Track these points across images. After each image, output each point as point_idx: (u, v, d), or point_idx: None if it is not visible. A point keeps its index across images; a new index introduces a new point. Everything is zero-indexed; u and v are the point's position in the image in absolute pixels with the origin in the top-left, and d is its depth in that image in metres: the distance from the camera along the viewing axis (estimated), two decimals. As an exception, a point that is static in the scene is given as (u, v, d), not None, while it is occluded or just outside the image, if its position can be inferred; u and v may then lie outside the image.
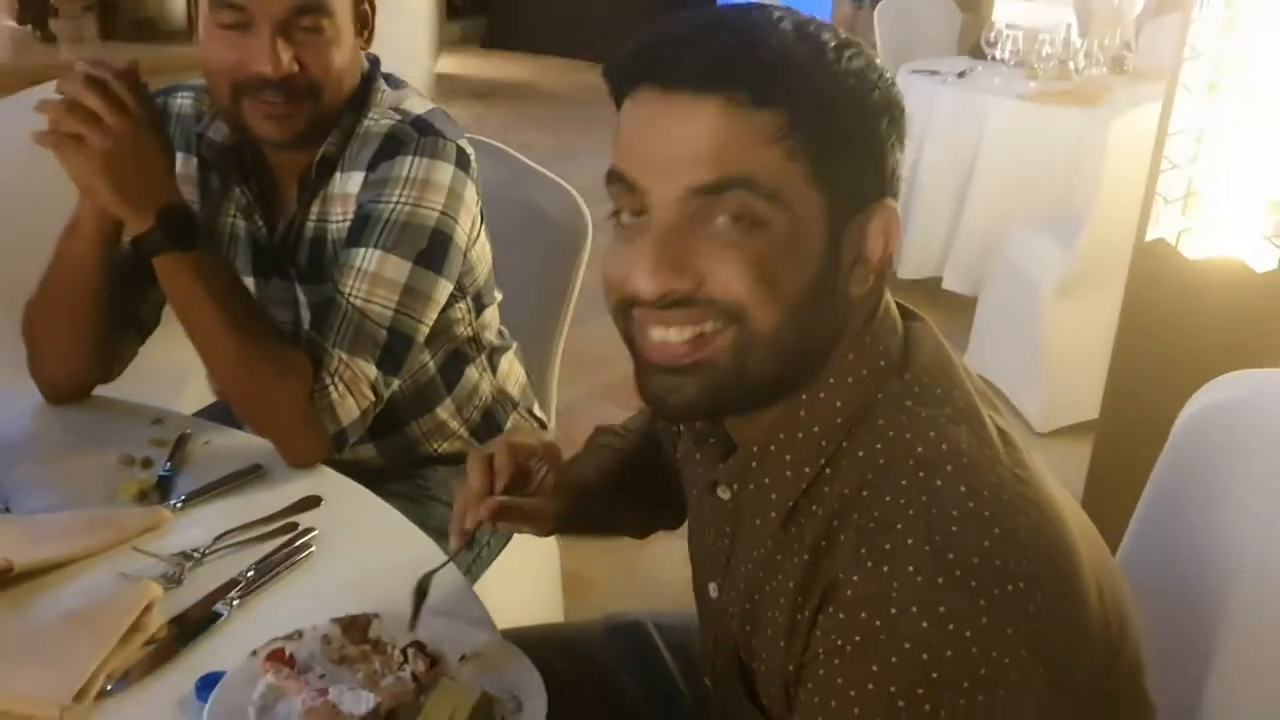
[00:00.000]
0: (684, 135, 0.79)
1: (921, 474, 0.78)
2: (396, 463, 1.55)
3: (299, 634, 1.00)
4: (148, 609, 1.04)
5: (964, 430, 0.81)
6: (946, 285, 4.04)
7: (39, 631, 1.02)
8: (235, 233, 1.48)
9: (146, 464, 1.32)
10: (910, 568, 0.74)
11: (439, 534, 1.48)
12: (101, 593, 1.07)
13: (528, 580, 1.77)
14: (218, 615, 1.06)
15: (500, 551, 1.60)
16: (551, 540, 1.81)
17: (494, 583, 1.56)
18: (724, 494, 0.93)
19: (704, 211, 0.79)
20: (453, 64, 9.06)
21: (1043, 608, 0.74)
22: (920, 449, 0.79)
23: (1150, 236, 2.22)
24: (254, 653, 0.97)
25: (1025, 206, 3.72)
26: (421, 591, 1.03)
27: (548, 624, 1.32)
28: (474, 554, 1.52)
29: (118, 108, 1.24)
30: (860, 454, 0.81)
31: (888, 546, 0.75)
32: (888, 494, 0.78)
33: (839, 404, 0.83)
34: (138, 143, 1.25)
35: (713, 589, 0.97)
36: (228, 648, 1.02)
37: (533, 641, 1.07)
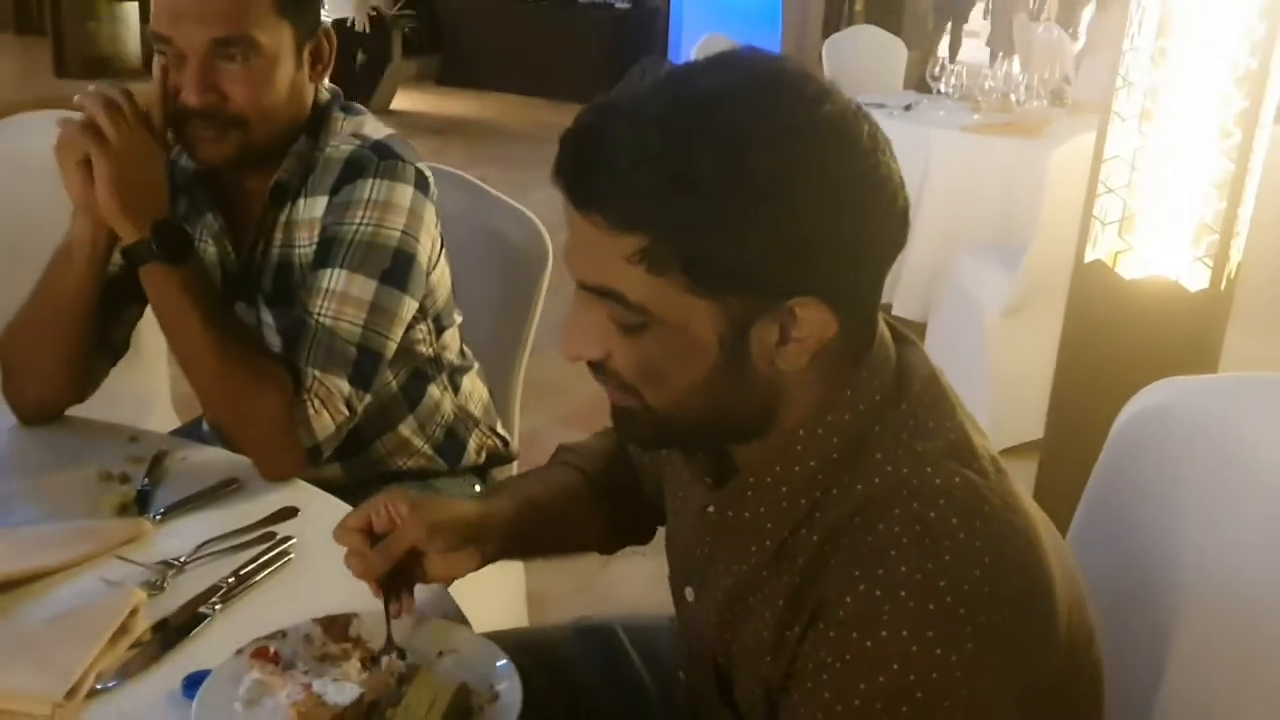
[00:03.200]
0: (574, 239, 0.84)
1: (916, 505, 0.82)
2: (361, 480, 1.59)
3: (282, 633, 1.04)
4: (133, 613, 1.08)
5: (956, 464, 0.85)
6: (896, 311, 4.12)
7: (29, 634, 1.05)
8: (204, 258, 1.52)
9: (125, 479, 1.35)
10: (903, 593, 0.78)
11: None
12: (88, 598, 1.11)
13: (492, 595, 1.81)
14: (202, 618, 1.10)
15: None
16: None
17: (459, 598, 1.59)
18: (713, 515, 0.97)
19: (602, 308, 0.84)
20: (408, 101, 9.13)
21: (1022, 632, 0.80)
22: (916, 482, 0.83)
23: (1089, 258, 2.32)
24: (239, 651, 1.01)
25: (970, 233, 3.83)
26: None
27: (517, 628, 1.36)
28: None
29: (127, 126, 1.31)
30: (857, 486, 0.86)
31: (881, 571, 0.80)
32: (882, 522, 0.82)
33: (836, 439, 0.87)
34: (140, 158, 1.32)
35: (689, 593, 1.01)
36: (212, 649, 1.05)
37: (502, 644, 1.11)
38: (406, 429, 1.61)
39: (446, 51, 10.32)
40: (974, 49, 6.79)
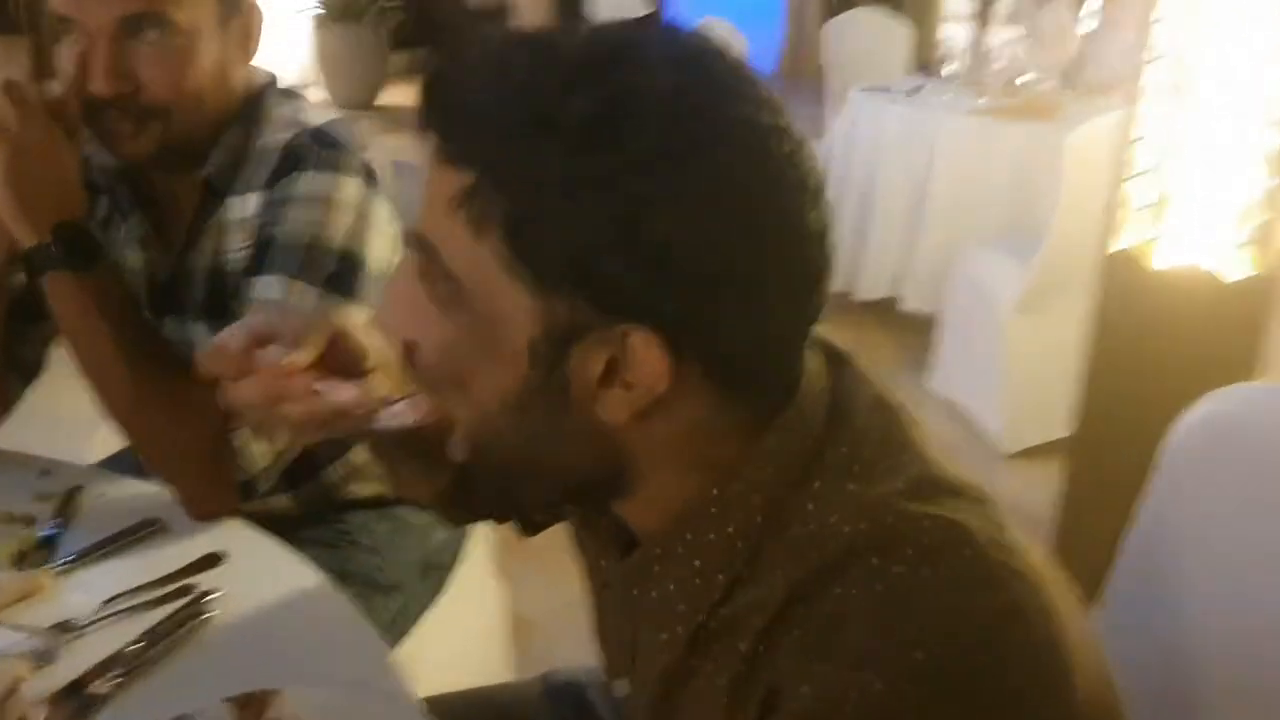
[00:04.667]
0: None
1: (875, 560, 0.63)
2: (313, 510, 1.42)
3: (189, 718, 0.87)
4: (10, 693, 0.90)
5: (922, 504, 0.65)
6: (904, 306, 3.95)
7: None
8: (127, 265, 1.35)
9: (29, 521, 1.18)
10: (869, 673, 0.59)
11: (360, 580, 1.36)
12: (-43, 675, 0.93)
13: (470, 628, 1.64)
14: (94, 698, 0.92)
15: (433, 599, 1.47)
16: (492, 585, 1.67)
17: (433, 631, 1.43)
18: (619, 596, 0.77)
19: (417, 270, 0.67)
20: (399, 95, 8.95)
21: (1030, 710, 0.61)
22: (873, 534, 0.64)
23: (1116, 247, 2.14)
24: (130, 743, 0.84)
25: (980, 222, 3.66)
26: None
27: (481, 688, 1.18)
28: (398, 604, 1.39)
29: (29, 116, 1.14)
30: (796, 550, 0.66)
31: (840, 648, 0.61)
32: (837, 586, 0.63)
33: (757, 499, 0.67)
34: (44, 151, 1.15)
35: (619, 686, 0.81)
36: (107, 734, 0.88)
37: (466, 709, 0.94)
38: (362, 454, 1.43)
39: (438, 45, 10.16)
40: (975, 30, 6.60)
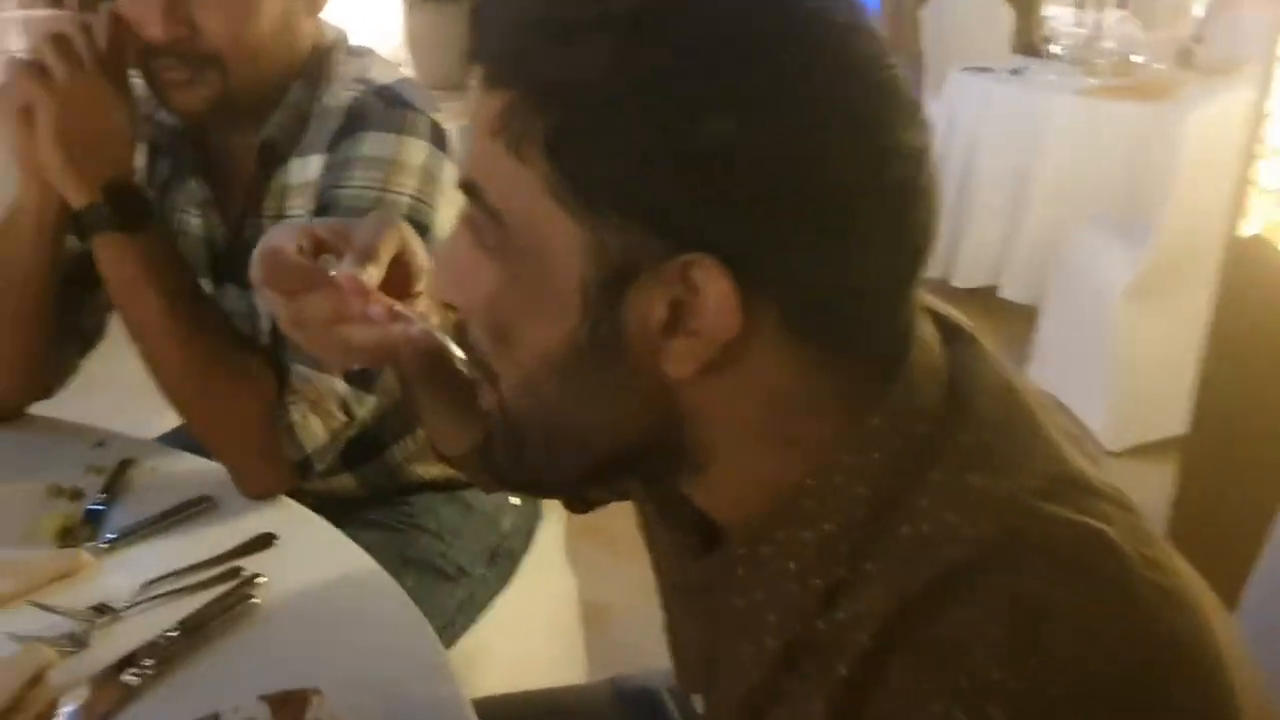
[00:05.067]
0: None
1: (1003, 575, 0.52)
2: (377, 491, 1.35)
3: (216, 717, 0.79)
4: (36, 681, 0.83)
5: (1059, 506, 0.55)
6: (1004, 294, 3.79)
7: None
8: (189, 230, 1.28)
9: (76, 495, 1.12)
10: (995, 711, 0.49)
11: (422, 567, 1.28)
12: (-17, 658, 0.87)
13: (539, 620, 1.56)
14: (126, 688, 0.86)
15: (501, 588, 1.39)
16: (564, 574, 1.59)
17: (499, 622, 1.35)
18: (698, 602, 0.67)
19: (466, 218, 0.59)
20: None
21: None
22: (1000, 541, 0.53)
23: (1243, 231, 1.98)
24: (155, 743, 0.77)
25: (1088, 207, 3.48)
26: None
27: (544, 690, 1.10)
28: (463, 593, 1.31)
29: (77, 66, 1.08)
30: (906, 555, 0.55)
31: (962, 679, 0.50)
32: (957, 604, 0.52)
33: (861, 491, 0.57)
34: (92, 104, 1.09)
35: (698, 702, 0.71)
36: (138, 728, 0.81)
37: (529, 711, 0.86)
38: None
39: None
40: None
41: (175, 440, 1.33)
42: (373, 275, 0.72)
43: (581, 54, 0.52)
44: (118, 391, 1.55)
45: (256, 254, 0.74)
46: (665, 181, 0.51)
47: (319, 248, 0.74)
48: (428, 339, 0.74)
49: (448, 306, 0.61)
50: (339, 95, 1.21)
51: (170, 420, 1.52)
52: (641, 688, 1.05)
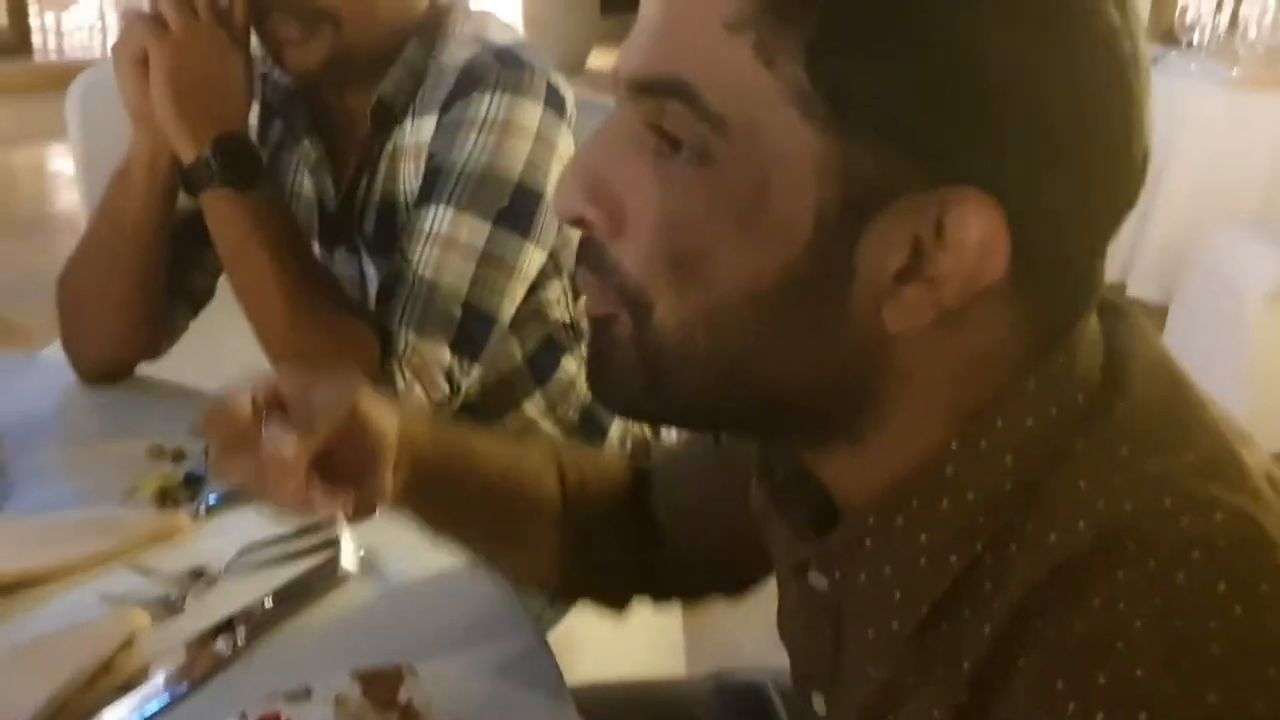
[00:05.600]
0: (644, 14, 0.52)
1: (1153, 563, 0.46)
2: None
3: (307, 691, 0.76)
4: (127, 645, 0.82)
5: (1217, 487, 0.49)
6: (1132, 292, 3.64)
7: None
8: (300, 192, 1.26)
9: (178, 457, 1.10)
10: (1142, 716, 0.44)
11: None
12: (74, 621, 0.85)
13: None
14: (218, 655, 0.83)
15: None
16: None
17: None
18: (818, 581, 0.61)
19: (646, 123, 0.51)
20: (608, 59, 8.91)
21: None
22: (1148, 525, 0.48)
23: None
24: (243, 716, 0.74)
25: (1228, 206, 3.32)
26: None
27: (643, 681, 1.05)
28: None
29: (194, 16, 1.07)
30: (1049, 537, 0.49)
31: (1102, 680, 0.45)
32: (1096, 596, 0.47)
33: (1010, 460, 0.51)
34: (207, 57, 1.08)
35: (819, 703, 0.65)
36: (224, 699, 0.79)
37: (626, 701, 0.81)
38: (533, 408, 1.32)
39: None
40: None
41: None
42: (303, 445, 0.68)
43: None
44: (224, 355, 1.54)
45: (212, 399, 0.73)
46: (937, 103, 0.46)
47: (275, 404, 0.71)
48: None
49: (578, 224, 0.54)
50: (455, 54, 1.17)
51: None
52: (746, 683, 1.00)
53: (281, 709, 0.74)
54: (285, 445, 0.68)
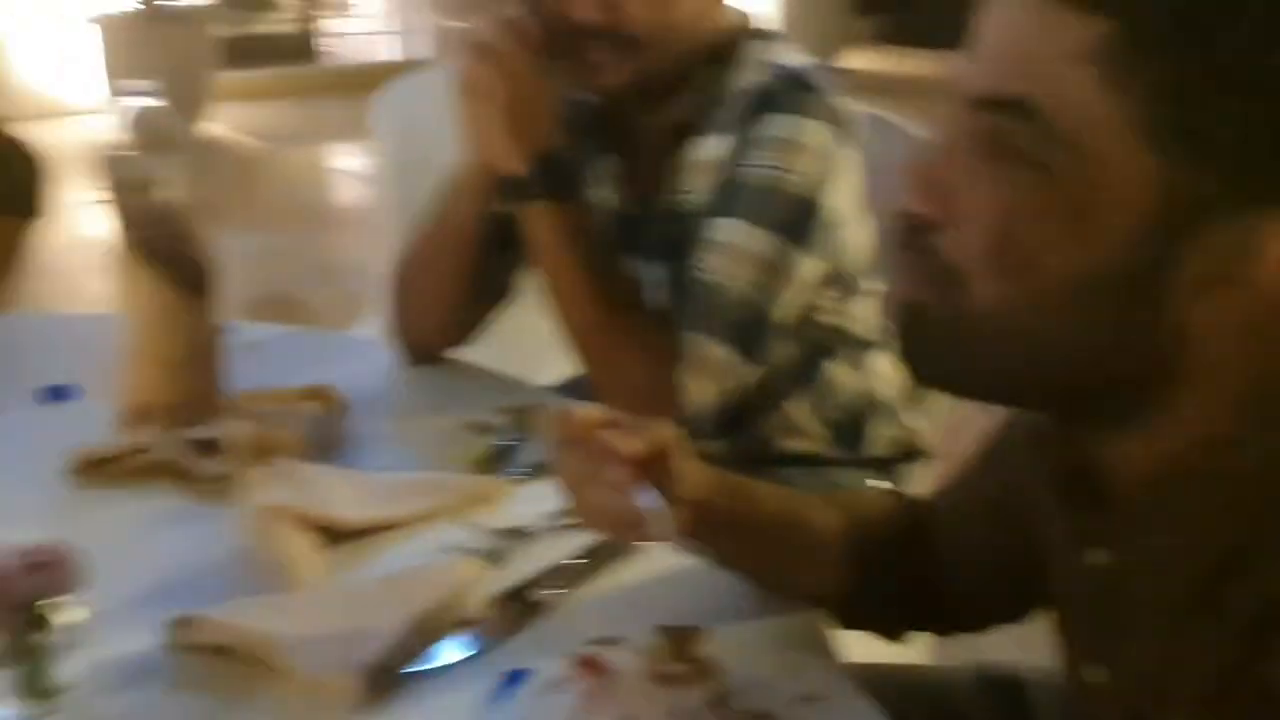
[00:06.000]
0: (990, 27, 0.60)
1: None
2: (744, 460, 1.40)
3: (618, 640, 0.88)
4: (464, 586, 0.95)
5: None
6: None
7: (354, 595, 0.96)
8: (598, 204, 1.39)
9: (489, 430, 1.25)
10: None
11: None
12: (417, 565, 0.99)
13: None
14: (536, 603, 0.96)
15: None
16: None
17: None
18: (1097, 557, 0.66)
19: (987, 133, 0.59)
20: (862, 60, 8.87)
21: None
22: None
23: None
24: (566, 656, 0.85)
25: None
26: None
27: (907, 665, 1.12)
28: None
29: (521, 49, 1.21)
30: None
31: None
32: None
33: None
34: (531, 83, 1.22)
35: (1097, 674, 0.70)
36: (542, 640, 0.91)
37: (887, 685, 0.89)
38: (797, 408, 1.40)
39: (903, 10, 9.97)
40: None
41: (572, 390, 1.45)
42: (628, 444, 0.81)
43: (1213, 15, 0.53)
44: (524, 344, 1.70)
45: (558, 410, 0.87)
46: (1275, 137, 0.53)
47: (610, 425, 0.84)
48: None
49: (911, 217, 0.62)
50: (747, 78, 1.27)
51: (557, 374, 1.67)
52: (1008, 676, 1.06)
53: (597, 652, 0.85)
54: (620, 444, 0.81)
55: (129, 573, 0.97)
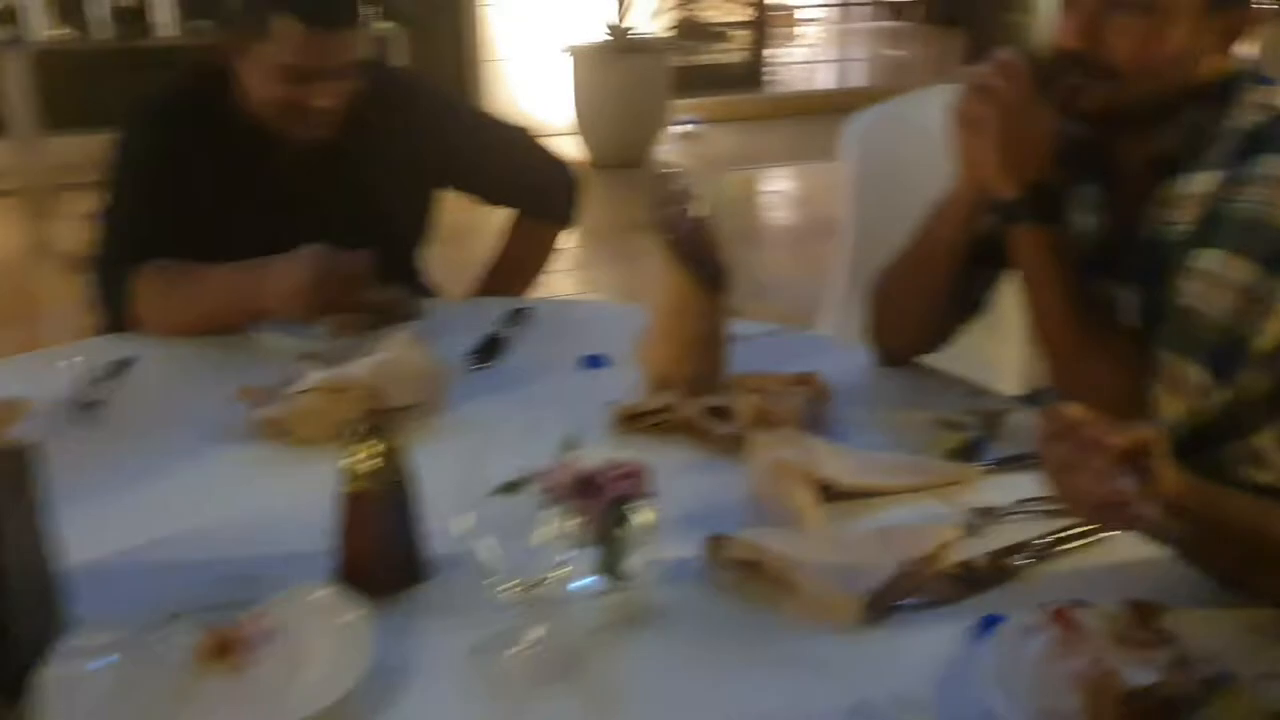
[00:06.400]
0: None
1: None
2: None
3: (1086, 603, 1.00)
4: (945, 546, 1.12)
5: None
6: None
7: (851, 539, 1.15)
8: (1077, 228, 1.50)
9: (958, 427, 1.40)
10: None
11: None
12: (907, 521, 1.18)
13: None
14: (1009, 569, 1.10)
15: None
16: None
17: None
18: None
19: None
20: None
21: None
22: None
23: None
24: (1041, 605, 0.99)
25: None
26: None
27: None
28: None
29: (1019, 85, 1.35)
30: None
31: None
32: None
33: None
34: (1027, 117, 1.35)
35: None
36: (1009, 599, 1.06)
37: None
38: (1266, 439, 1.44)
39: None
40: None
41: (1034, 402, 1.57)
42: (1114, 438, 0.97)
43: None
44: (979, 357, 1.83)
45: (1049, 406, 1.03)
46: None
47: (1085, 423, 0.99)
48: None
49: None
50: (1242, 119, 1.34)
51: (1019, 385, 1.79)
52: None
53: (1070, 609, 0.99)
54: (1107, 437, 0.97)
55: (671, 500, 1.21)
